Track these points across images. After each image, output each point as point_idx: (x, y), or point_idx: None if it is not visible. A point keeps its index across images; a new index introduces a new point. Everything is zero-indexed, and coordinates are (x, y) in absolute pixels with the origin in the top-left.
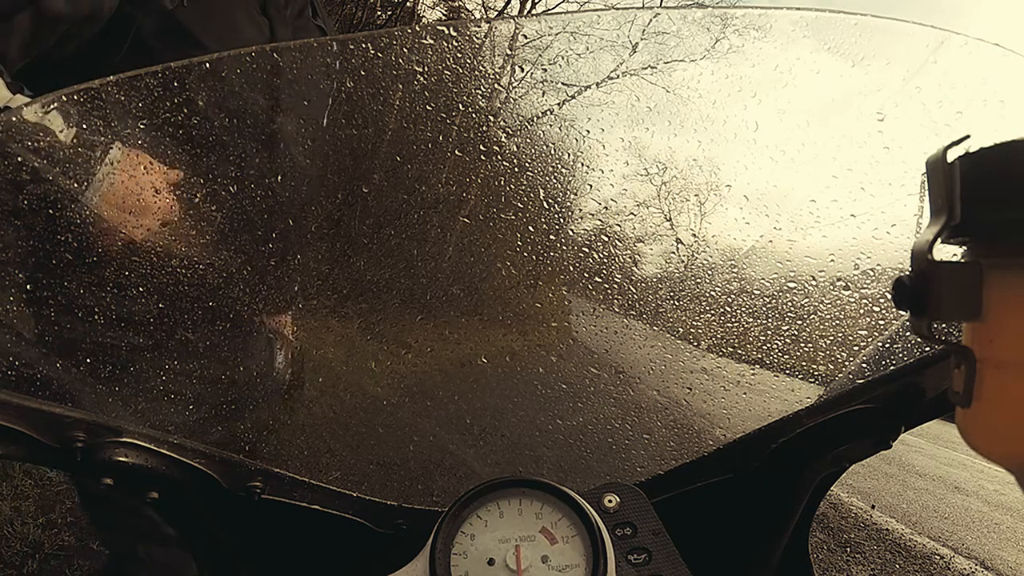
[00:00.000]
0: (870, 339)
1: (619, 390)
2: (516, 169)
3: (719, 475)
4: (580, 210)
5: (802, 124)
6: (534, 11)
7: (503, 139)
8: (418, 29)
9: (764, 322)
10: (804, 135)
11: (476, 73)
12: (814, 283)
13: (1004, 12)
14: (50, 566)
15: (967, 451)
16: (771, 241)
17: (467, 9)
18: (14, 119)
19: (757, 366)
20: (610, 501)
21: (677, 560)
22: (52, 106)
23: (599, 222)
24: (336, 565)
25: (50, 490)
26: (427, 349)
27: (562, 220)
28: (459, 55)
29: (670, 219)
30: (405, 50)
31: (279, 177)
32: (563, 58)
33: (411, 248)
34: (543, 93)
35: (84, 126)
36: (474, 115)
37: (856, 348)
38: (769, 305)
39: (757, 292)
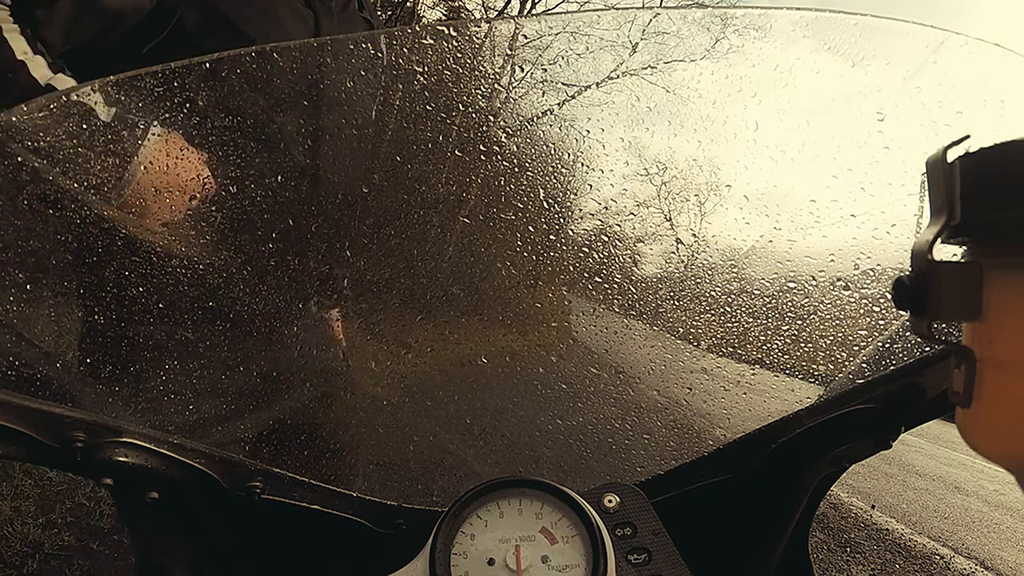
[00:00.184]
0: (870, 339)
1: (619, 390)
2: (516, 169)
3: (719, 475)
4: (580, 210)
5: (802, 124)
6: (534, 11)
7: (503, 139)
8: (418, 29)
9: (764, 322)
10: (804, 135)
11: (476, 73)
12: (814, 283)
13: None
14: (50, 566)
15: (967, 451)
16: (771, 241)
17: (467, 9)
18: (14, 119)
19: (757, 366)
20: (610, 501)
21: (677, 560)
22: (53, 106)
23: (599, 222)
24: (336, 565)
25: (50, 490)
26: (427, 349)
27: (562, 220)
28: (459, 55)
29: (670, 219)
30: (405, 50)
31: (279, 177)
32: (563, 58)
33: (411, 248)
34: (543, 93)
35: (84, 126)
36: (474, 115)
37: (856, 348)
38: (769, 305)
39: (757, 292)
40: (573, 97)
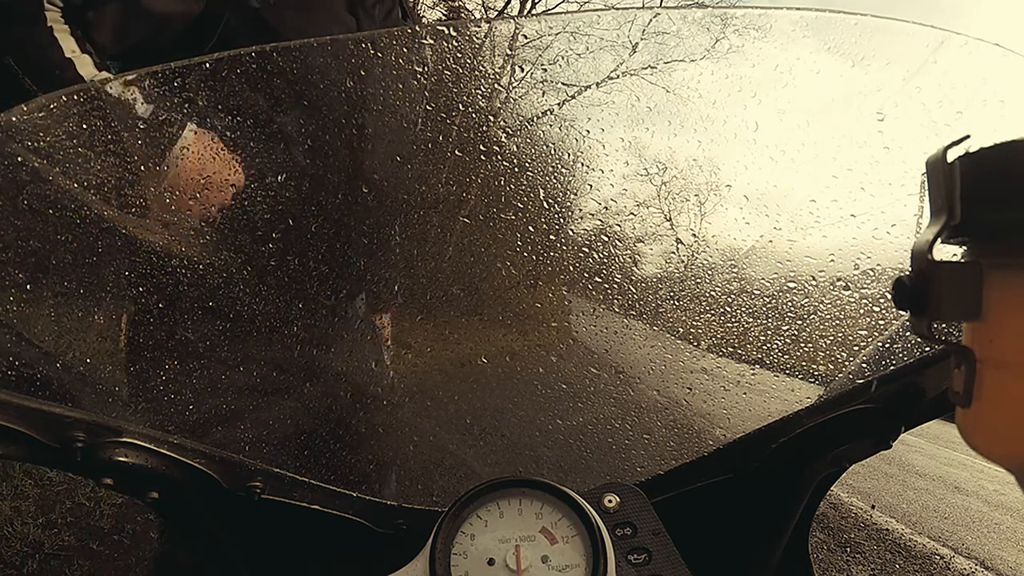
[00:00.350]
0: (870, 339)
1: (619, 390)
2: (516, 169)
3: (719, 475)
4: (580, 210)
5: (802, 124)
6: (534, 11)
7: (503, 139)
8: (418, 29)
9: (764, 322)
10: (804, 135)
11: (476, 73)
12: (814, 283)
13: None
14: (50, 566)
15: (967, 451)
16: (771, 241)
17: (467, 9)
18: (14, 119)
19: (757, 366)
20: (610, 501)
21: (677, 560)
22: (53, 106)
23: (599, 222)
24: (336, 565)
25: (50, 490)
26: (427, 349)
27: (562, 220)
28: (459, 55)
29: (670, 219)
30: (405, 50)
31: (280, 177)
32: (563, 58)
33: (411, 248)
34: (543, 93)
35: (84, 126)
36: (474, 115)
37: (856, 348)
38: (769, 305)
39: (757, 292)
40: (573, 97)
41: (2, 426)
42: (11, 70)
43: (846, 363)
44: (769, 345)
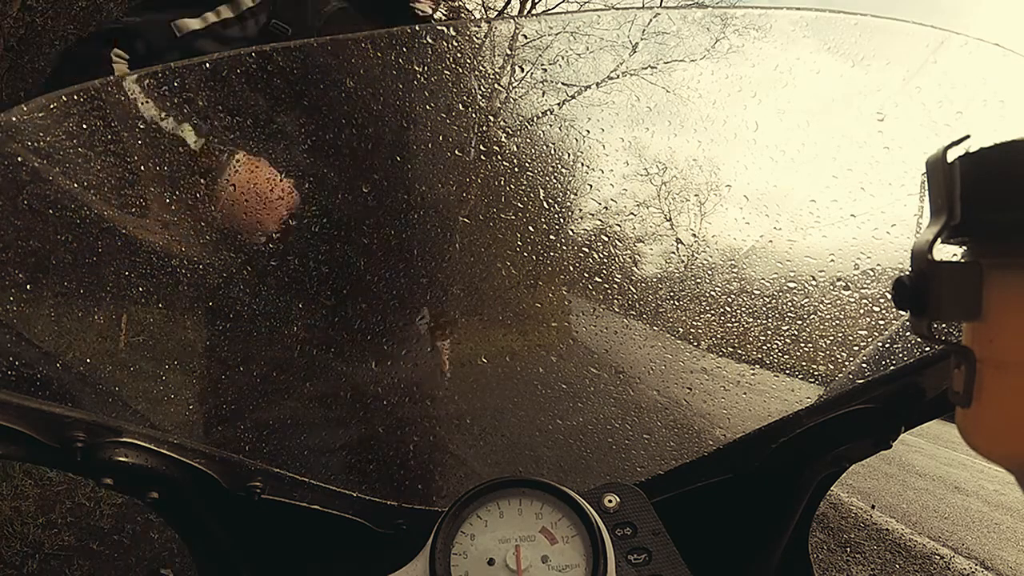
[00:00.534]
0: (870, 339)
1: (619, 390)
2: (516, 169)
3: (719, 475)
4: (580, 210)
5: (802, 124)
6: (534, 11)
7: (503, 139)
8: (418, 29)
9: (764, 322)
10: (804, 135)
11: (476, 73)
12: (814, 283)
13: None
14: (50, 566)
15: (967, 451)
16: (771, 241)
17: (467, 9)
18: (14, 119)
19: (757, 366)
20: (610, 501)
21: (677, 560)
22: (53, 106)
23: (599, 222)
24: (336, 565)
25: (50, 490)
26: (427, 349)
27: (562, 220)
28: (459, 55)
29: (670, 219)
30: (405, 50)
31: (279, 177)
32: (563, 58)
33: (411, 248)
34: (543, 93)
35: (84, 126)
36: (474, 115)
37: (856, 348)
38: (769, 305)
39: (757, 292)
40: (573, 97)
41: (2, 426)
42: None
43: (846, 363)
44: (769, 345)
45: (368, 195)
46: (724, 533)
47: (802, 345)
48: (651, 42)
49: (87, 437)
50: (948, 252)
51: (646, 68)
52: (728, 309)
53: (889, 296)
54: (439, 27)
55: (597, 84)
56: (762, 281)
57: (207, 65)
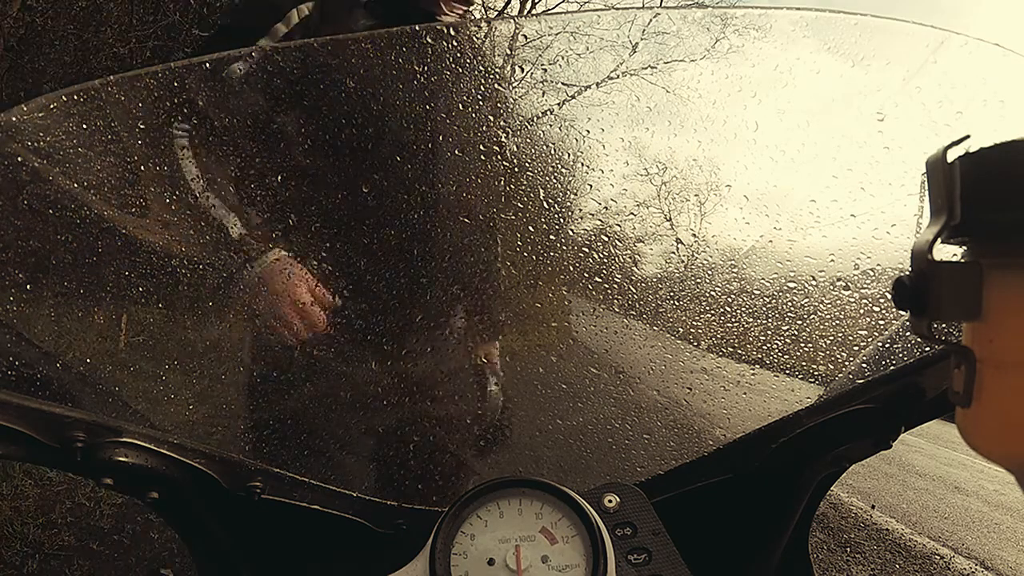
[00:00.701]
0: (870, 339)
1: (619, 390)
2: (516, 169)
3: (719, 475)
4: (580, 210)
5: (802, 124)
6: (534, 11)
7: (503, 139)
8: (418, 29)
9: (764, 322)
10: (804, 135)
11: (476, 73)
12: (814, 283)
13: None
14: (50, 566)
15: (967, 451)
16: (771, 241)
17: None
18: (14, 119)
19: (757, 366)
20: (610, 501)
21: (677, 560)
22: (53, 106)
23: (599, 222)
24: (336, 565)
25: (50, 490)
26: (427, 349)
27: (562, 220)
28: (459, 55)
29: (670, 219)
30: (405, 50)
31: (279, 177)
32: (563, 58)
33: (411, 248)
34: (543, 93)
35: (84, 126)
36: (474, 115)
37: (856, 348)
38: (769, 305)
39: (757, 292)
40: (573, 97)
41: (2, 426)
42: None
43: (846, 363)
44: (769, 345)
45: (367, 195)
46: (724, 533)
47: (802, 345)
48: (651, 42)
49: (87, 437)
50: (948, 252)
51: (646, 68)
52: (728, 309)
53: (889, 296)
54: (439, 27)
55: (597, 84)
56: (762, 281)
57: (207, 65)
